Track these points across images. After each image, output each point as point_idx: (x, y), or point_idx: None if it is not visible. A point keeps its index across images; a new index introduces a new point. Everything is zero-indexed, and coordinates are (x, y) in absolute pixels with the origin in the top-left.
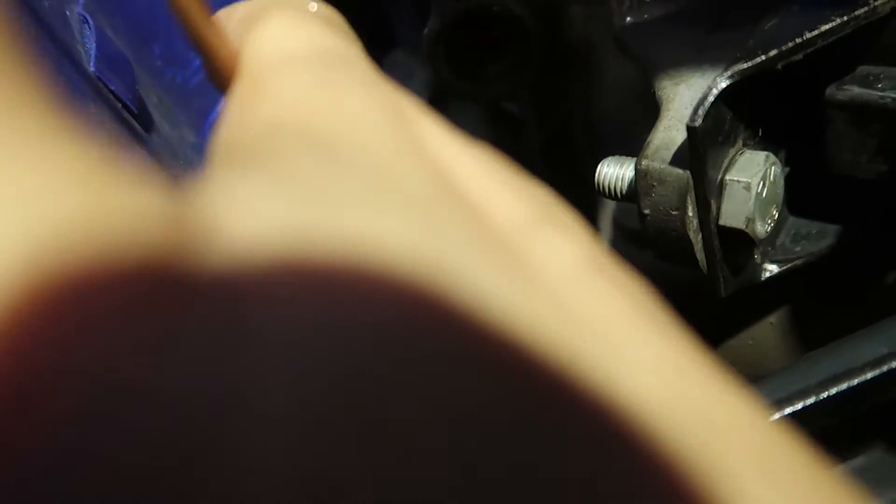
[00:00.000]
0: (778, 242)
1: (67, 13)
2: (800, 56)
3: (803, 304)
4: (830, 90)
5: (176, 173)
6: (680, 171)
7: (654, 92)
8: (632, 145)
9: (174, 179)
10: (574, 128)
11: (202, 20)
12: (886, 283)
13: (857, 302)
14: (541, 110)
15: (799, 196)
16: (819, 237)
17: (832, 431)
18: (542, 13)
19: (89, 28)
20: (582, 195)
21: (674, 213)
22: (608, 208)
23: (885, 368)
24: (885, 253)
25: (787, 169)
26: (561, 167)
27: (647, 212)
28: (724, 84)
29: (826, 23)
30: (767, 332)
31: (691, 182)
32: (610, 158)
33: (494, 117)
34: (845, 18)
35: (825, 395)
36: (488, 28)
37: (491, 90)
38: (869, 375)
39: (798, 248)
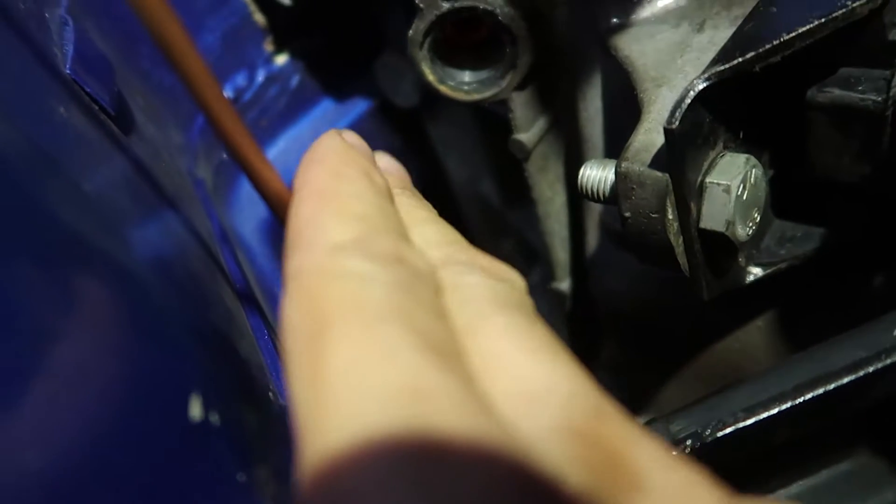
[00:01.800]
0: (762, 245)
1: (47, 15)
2: (778, 58)
3: (791, 308)
4: (811, 92)
5: (156, 173)
6: (659, 173)
7: (637, 94)
8: (619, 148)
9: (153, 178)
10: (560, 131)
11: (258, 161)
12: (874, 285)
13: (846, 306)
14: (527, 114)
15: (783, 199)
16: (804, 240)
17: (816, 437)
18: (528, 16)
19: (69, 30)
20: (570, 198)
21: (654, 216)
22: (596, 210)
23: (861, 373)
24: (872, 256)
25: (770, 172)
26: (548, 170)
27: (627, 215)
28: (700, 86)
29: (804, 24)
30: (755, 335)
31: (670, 185)
32: (593, 161)
33: (482, 119)
34: (823, 20)
35: (801, 399)
36: (475, 32)
37: (476, 95)
38: (845, 380)
39: (783, 252)
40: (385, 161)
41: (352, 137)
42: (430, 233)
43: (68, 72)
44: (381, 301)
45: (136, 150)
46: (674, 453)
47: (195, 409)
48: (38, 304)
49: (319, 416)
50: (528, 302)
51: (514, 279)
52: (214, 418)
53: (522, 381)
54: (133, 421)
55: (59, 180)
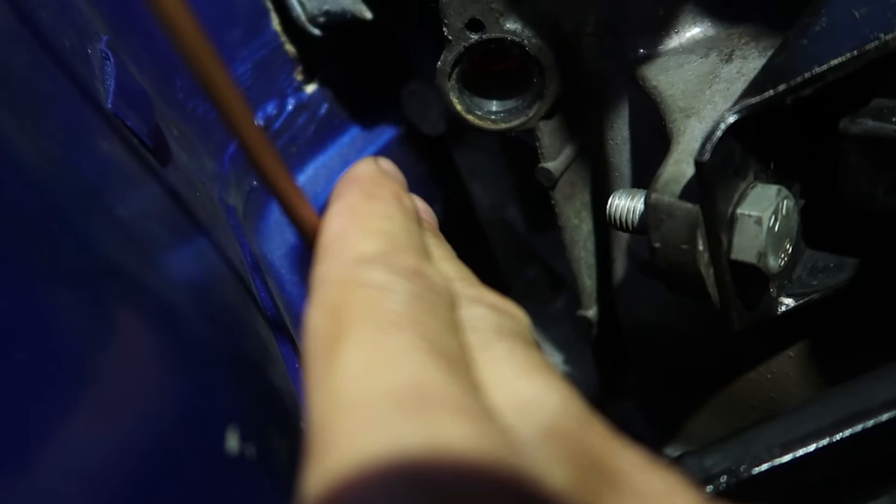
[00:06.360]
0: (794, 276)
1: (89, 51)
2: (809, 91)
3: (823, 338)
4: (844, 123)
5: (192, 203)
6: (689, 205)
7: (666, 125)
8: (646, 177)
9: (187, 208)
10: (587, 159)
11: (289, 188)
12: None
13: (880, 336)
14: (554, 142)
15: (815, 229)
16: (836, 270)
17: (857, 475)
18: (556, 47)
19: (110, 65)
20: (596, 226)
21: (684, 247)
22: (623, 238)
23: None
24: None
25: (802, 201)
26: (574, 198)
27: (657, 245)
28: (731, 119)
29: (836, 57)
30: (787, 365)
31: (701, 217)
32: (622, 191)
33: (509, 146)
34: (855, 53)
35: (839, 436)
36: (502, 61)
37: (504, 125)
38: (884, 417)
39: (815, 282)
40: (416, 202)
41: (387, 164)
42: (446, 268)
43: (110, 107)
44: (397, 309)
45: (172, 181)
46: (656, 461)
47: (232, 442)
48: (77, 334)
49: (328, 422)
50: (528, 334)
51: (517, 314)
52: (250, 451)
53: (517, 395)
54: (171, 455)
55: (101, 213)
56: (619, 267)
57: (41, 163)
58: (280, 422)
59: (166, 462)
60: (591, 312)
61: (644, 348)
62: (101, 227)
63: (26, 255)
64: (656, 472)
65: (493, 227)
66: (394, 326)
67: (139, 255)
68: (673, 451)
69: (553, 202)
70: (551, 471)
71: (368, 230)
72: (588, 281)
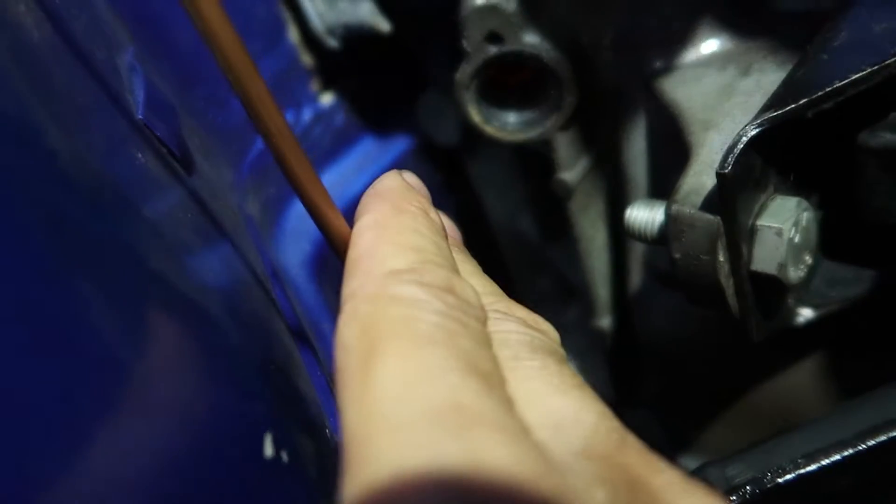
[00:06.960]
0: (812, 287)
1: (118, 63)
2: (830, 104)
3: (840, 348)
4: (863, 136)
5: (217, 213)
6: (710, 216)
7: (684, 136)
8: (662, 188)
9: (213, 216)
10: (604, 170)
11: (321, 199)
12: None
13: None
14: (570, 153)
15: (833, 240)
16: (854, 282)
17: (881, 485)
18: (573, 59)
19: (138, 76)
20: (611, 236)
21: (704, 258)
22: (638, 249)
23: None
24: None
25: (820, 213)
26: (590, 209)
27: (677, 256)
28: (753, 132)
29: (856, 72)
30: (803, 376)
31: (722, 228)
32: (640, 201)
33: (524, 157)
34: (876, 68)
35: (863, 447)
36: (520, 72)
37: (521, 136)
38: None
39: (833, 293)
40: (441, 217)
41: (412, 178)
42: (474, 283)
43: (140, 117)
44: (431, 325)
45: (199, 190)
46: (692, 480)
47: (268, 448)
48: (116, 335)
49: (366, 438)
50: (559, 350)
51: (548, 330)
52: (285, 456)
53: (552, 413)
54: (211, 460)
55: (139, 220)
56: (635, 277)
57: (84, 173)
58: (308, 428)
59: (207, 468)
60: (605, 322)
61: (659, 358)
62: (140, 234)
63: (73, 258)
64: (693, 492)
65: (506, 237)
66: (428, 342)
67: (174, 262)
68: (688, 460)
69: (569, 213)
70: (591, 491)
71: (399, 245)
72: (602, 291)
